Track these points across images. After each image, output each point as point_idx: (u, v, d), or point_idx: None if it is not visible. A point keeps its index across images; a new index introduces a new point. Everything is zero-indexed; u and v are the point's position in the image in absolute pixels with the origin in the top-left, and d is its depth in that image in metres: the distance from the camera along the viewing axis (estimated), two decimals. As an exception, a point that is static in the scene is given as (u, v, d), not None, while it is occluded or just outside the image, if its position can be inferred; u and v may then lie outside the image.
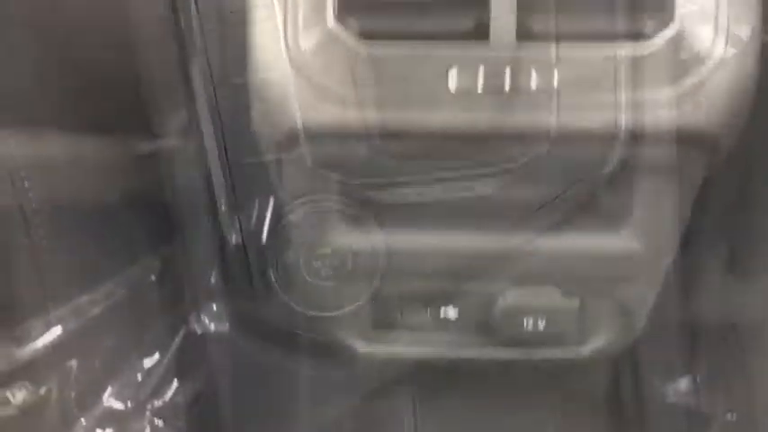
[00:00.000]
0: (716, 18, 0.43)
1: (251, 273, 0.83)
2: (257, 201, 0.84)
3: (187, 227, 0.76)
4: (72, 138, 0.59)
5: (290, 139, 0.46)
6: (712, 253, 0.63)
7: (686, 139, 0.45)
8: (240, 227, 0.84)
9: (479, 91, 0.43)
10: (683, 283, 0.59)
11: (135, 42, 0.55)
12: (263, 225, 0.87)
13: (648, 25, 0.44)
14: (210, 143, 0.61)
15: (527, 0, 0.43)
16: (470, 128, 0.44)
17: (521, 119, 0.44)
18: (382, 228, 0.52)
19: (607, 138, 0.45)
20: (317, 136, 0.45)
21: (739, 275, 0.63)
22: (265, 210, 0.86)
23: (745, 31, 0.43)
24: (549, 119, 0.44)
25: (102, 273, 0.70)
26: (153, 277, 0.77)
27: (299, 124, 0.45)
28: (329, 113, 0.44)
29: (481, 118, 0.44)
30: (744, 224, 0.60)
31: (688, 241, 0.53)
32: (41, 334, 0.67)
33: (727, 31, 0.43)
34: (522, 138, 0.45)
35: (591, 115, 0.44)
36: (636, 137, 0.45)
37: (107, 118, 0.60)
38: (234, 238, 0.84)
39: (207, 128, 0.61)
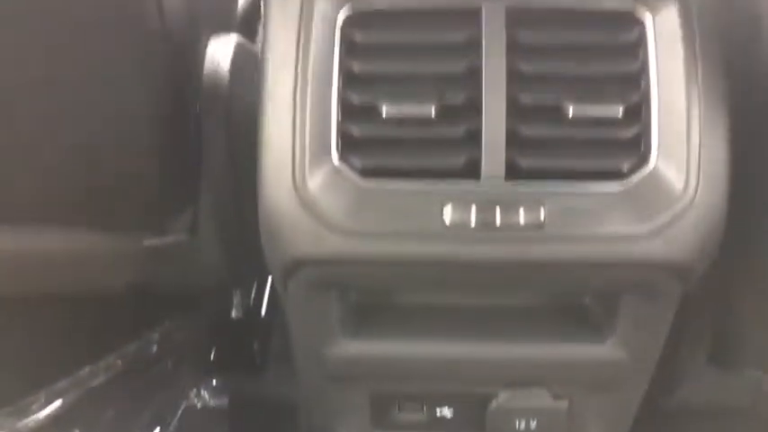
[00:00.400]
0: (688, 160, 0.46)
1: (250, 348, 0.85)
2: (257, 278, 0.86)
3: (188, 303, 0.78)
4: (81, 234, 0.61)
5: (294, 264, 0.48)
6: (695, 346, 0.66)
7: (662, 269, 0.48)
8: (240, 303, 0.86)
9: (472, 225, 0.45)
10: (668, 374, 0.62)
11: (145, 146, 0.58)
12: (261, 301, 0.89)
13: (625, 165, 0.47)
14: (214, 241, 0.63)
15: (514, 140, 0.46)
16: (465, 258, 0.46)
17: (511, 250, 0.46)
18: (379, 334, 0.54)
19: (590, 265, 0.48)
20: (319, 263, 0.48)
21: (722, 366, 0.65)
22: (264, 286, 0.89)
23: (715, 171, 0.46)
24: (537, 250, 0.46)
25: (103, 347, 0.72)
26: (154, 348, 0.79)
27: (304, 252, 0.47)
28: (332, 243, 0.46)
29: (475, 250, 0.46)
30: (724, 319, 0.62)
31: (672, 338, 0.55)
32: (43, 407, 0.68)
33: (699, 172, 0.46)
34: (512, 266, 0.47)
35: (575, 246, 0.47)
36: (615, 265, 0.48)
37: (116, 217, 0.62)
38: (234, 314, 0.86)
39: (211, 227, 0.63)
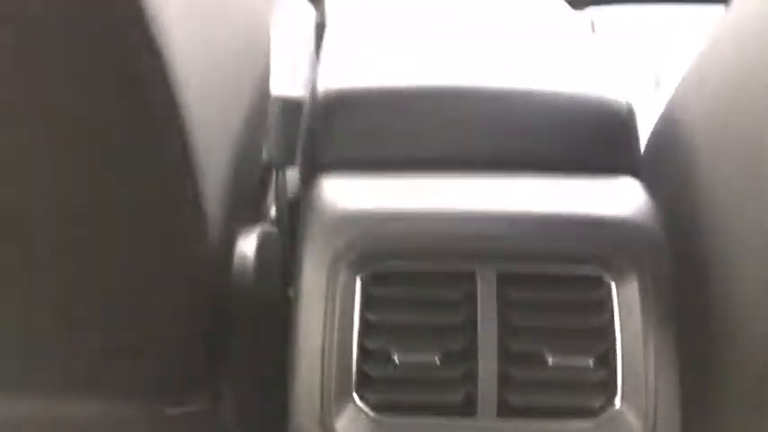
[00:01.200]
0: (646, 403, 0.55)
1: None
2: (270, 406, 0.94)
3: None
4: (103, 403, 0.69)
5: None
6: None
7: None
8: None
9: None
10: None
11: (172, 331, 0.66)
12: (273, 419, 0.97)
13: (596, 404, 0.55)
14: (235, 413, 0.72)
15: (505, 381, 0.55)
16: None
17: None
18: None
19: None
20: None
21: None
22: (275, 409, 0.97)
23: (668, 413, 0.55)
24: None
25: None
26: None
27: None
28: None
29: None
30: None
31: None
32: None
33: (654, 414, 0.55)
34: None
35: None
36: None
37: (138, 386, 0.70)
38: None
39: (233, 402, 0.71)
